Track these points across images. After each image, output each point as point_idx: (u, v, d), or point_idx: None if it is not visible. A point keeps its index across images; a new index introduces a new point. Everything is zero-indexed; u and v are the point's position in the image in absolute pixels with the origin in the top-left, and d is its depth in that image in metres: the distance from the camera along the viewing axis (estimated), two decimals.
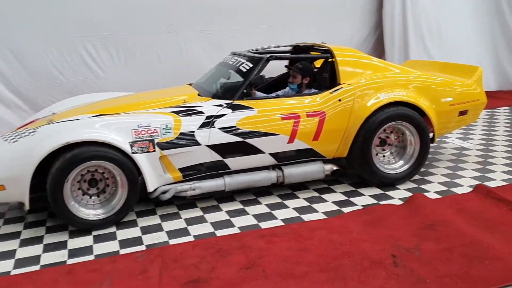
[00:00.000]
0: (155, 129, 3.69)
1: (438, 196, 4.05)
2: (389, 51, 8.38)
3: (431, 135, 4.43)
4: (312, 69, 4.58)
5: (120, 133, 3.58)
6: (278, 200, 4.14)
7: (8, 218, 3.89)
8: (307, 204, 4.03)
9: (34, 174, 3.39)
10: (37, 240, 3.48)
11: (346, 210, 3.86)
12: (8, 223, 3.79)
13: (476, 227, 3.35)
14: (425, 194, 4.07)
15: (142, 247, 3.33)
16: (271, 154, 4.06)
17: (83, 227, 3.57)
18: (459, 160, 5.04)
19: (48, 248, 3.35)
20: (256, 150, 3.99)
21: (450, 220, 3.47)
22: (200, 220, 3.77)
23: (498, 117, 7.07)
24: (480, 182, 4.30)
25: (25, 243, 3.44)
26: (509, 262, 2.85)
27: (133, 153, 3.57)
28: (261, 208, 3.97)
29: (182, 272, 2.93)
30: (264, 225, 3.63)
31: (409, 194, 4.14)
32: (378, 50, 8.70)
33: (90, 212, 3.61)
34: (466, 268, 2.83)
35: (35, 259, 3.19)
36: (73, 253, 3.27)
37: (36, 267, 3.07)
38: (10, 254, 3.28)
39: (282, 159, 4.14)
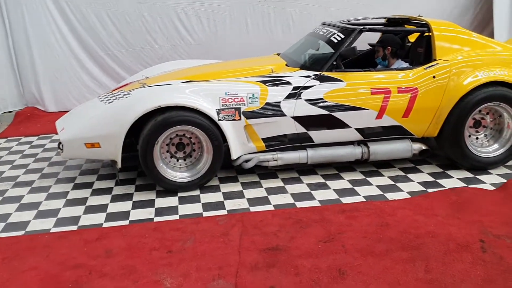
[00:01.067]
0: (241, 98, 3.72)
1: None
2: (498, 27, 7.77)
3: None
4: (393, 38, 4.38)
5: (208, 100, 3.67)
6: (361, 176, 4.06)
7: (102, 175, 4.16)
8: (392, 182, 3.92)
9: (127, 134, 3.58)
10: (127, 197, 3.70)
11: (432, 191, 3.70)
12: (101, 179, 4.06)
13: None
14: None
15: (224, 212, 3.43)
16: (358, 129, 3.97)
17: (169, 188, 3.73)
18: None
19: (137, 205, 3.56)
20: (342, 124, 3.91)
21: None
22: (280, 190, 3.80)
23: None
24: None
25: (116, 199, 3.68)
26: None
27: (219, 120, 3.65)
28: (343, 183, 3.91)
29: (261, 239, 2.99)
30: (345, 200, 3.59)
31: (503, 180, 3.88)
32: (481, 25, 8.11)
33: (177, 174, 3.76)
34: None
35: (125, 214, 3.40)
36: (159, 211, 3.44)
37: (125, 222, 3.28)
38: (102, 208, 3.52)
39: (369, 135, 4.03)
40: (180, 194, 3.71)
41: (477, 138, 4.17)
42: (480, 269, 2.59)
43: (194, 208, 3.48)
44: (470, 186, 3.78)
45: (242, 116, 3.73)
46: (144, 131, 3.56)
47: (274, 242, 2.95)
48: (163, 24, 6.71)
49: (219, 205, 3.54)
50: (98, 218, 3.34)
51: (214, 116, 3.64)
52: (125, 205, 3.55)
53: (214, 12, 6.81)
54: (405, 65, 4.23)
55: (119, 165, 3.67)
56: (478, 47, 4.13)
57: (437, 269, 2.61)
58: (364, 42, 4.68)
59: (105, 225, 3.24)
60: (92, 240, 3.00)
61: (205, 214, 3.38)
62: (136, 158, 3.69)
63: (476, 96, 3.88)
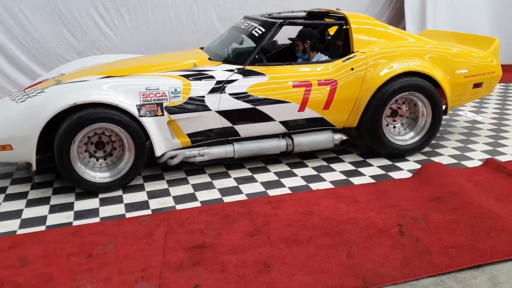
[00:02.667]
0: (163, 93, 3.64)
1: None
2: (409, 20, 8.16)
3: (444, 107, 4.33)
4: (311, 32, 4.47)
5: (128, 96, 3.54)
6: (287, 168, 4.10)
7: (16, 178, 3.91)
8: (315, 173, 4.00)
9: (41, 134, 3.38)
10: (43, 201, 3.50)
11: (354, 180, 3.83)
12: (16, 183, 3.81)
13: (484, 199, 3.30)
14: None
15: (148, 212, 3.33)
16: (282, 122, 4.01)
17: (89, 190, 3.57)
18: (471, 134, 4.95)
19: (54, 209, 3.37)
20: (266, 118, 3.93)
21: (458, 192, 3.41)
22: (207, 186, 3.76)
23: None
24: (490, 156, 4.22)
25: (31, 203, 3.46)
26: None
27: (140, 116, 3.54)
28: (270, 176, 3.94)
29: (187, 237, 2.93)
30: (272, 192, 3.62)
31: (419, 166, 4.08)
32: (396, 18, 8.48)
33: (97, 174, 3.61)
34: (473, 239, 2.79)
35: (41, 220, 3.21)
36: (79, 215, 3.28)
37: (41, 228, 3.09)
38: (16, 213, 3.30)
39: (293, 127, 4.09)
40: (101, 195, 3.56)
41: (394, 127, 4.35)
42: (399, 253, 2.70)
43: (116, 210, 3.35)
44: (389, 173, 3.95)
45: (164, 111, 3.64)
46: (60, 131, 3.38)
47: (200, 239, 2.90)
48: (81, 18, 6.42)
49: (143, 205, 3.44)
50: (11, 225, 3.12)
51: (135, 112, 3.52)
52: (42, 210, 3.34)
53: (135, 6, 6.62)
54: (325, 58, 4.32)
55: (34, 167, 3.46)
56: (393, 39, 4.30)
57: (358, 254, 2.69)
58: (286, 36, 4.74)
59: (20, 232, 3.04)
60: (5, 249, 2.80)
61: (128, 215, 3.27)
62: (53, 160, 3.50)
63: (392, 86, 4.04)
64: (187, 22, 6.94)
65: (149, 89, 3.59)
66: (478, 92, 4.63)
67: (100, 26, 6.54)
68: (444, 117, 4.43)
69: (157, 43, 6.67)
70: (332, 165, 4.15)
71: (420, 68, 4.11)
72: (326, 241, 2.83)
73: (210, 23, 6.93)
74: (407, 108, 4.33)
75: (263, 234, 2.94)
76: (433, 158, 4.25)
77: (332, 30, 4.96)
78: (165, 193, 3.64)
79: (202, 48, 4.78)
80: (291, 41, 4.95)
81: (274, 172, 4.01)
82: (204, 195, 3.58)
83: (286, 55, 4.85)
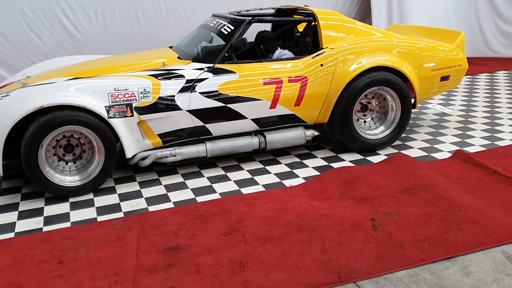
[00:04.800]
0: (132, 93, 3.58)
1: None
2: (376, 15, 8.27)
3: (412, 100, 4.40)
4: (263, 36, 4.53)
5: (96, 97, 3.48)
6: (260, 166, 4.10)
7: None
8: (288, 169, 4.01)
9: (8, 139, 3.29)
10: (12, 207, 3.40)
11: (325, 172, 3.86)
12: None
13: (455, 192, 3.36)
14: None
15: (120, 214, 3.28)
16: (253, 120, 4.01)
17: (59, 194, 3.49)
18: (440, 126, 5.04)
19: (23, 215, 3.28)
20: (238, 116, 3.92)
21: (429, 184, 3.47)
22: (180, 186, 3.73)
23: (479, 84, 7.08)
24: (459, 148, 4.31)
25: None
26: (485, 227, 2.87)
27: (109, 117, 3.48)
28: (243, 174, 3.93)
29: (160, 239, 2.90)
30: (246, 190, 3.61)
31: None
32: (364, 14, 8.58)
33: (66, 178, 3.53)
34: (444, 232, 2.84)
35: (10, 227, 3.12)
36: (49, 220, 3.21)
37: (10, 235, 3.01)
38: None
39: (264, 124, 4.09)
40: (71, 200, 3.49)
41: (365, 121, 4.40)
42: (372, 247, 2.73)
43: (87, 213, 3.29)
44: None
45: (134, 112, 3.59)
46: (26, 135, 3.29)
47: (174, 241, 2.87)
48: (46, 19, 6.28)
49: (115, 208, 3.38)
50: None
51: (104, 113, 3.46)
52: (10, 216, 3.25)
53: (101, 5, 6.50)
54: (287, 53, 4.33)
55: (0, 173, 3.37)
56: (361, 35, 4.34)
57: (332, 249, 2.71)
58: (255, 33, 4.72)
59: None
60: None
61: (100, 218, 3.21)
62: (20, 164, 3.41)
63: (361, 81, 4.08)
64: (155, 21, 6.86)
65: (117, 90, 3.53)
66: (445, 85, 4.71)
67: (66, 27, 6.41)
68: (413, 110, 4.50)
69: (126, 43, 6.57)
70: (305, 161, 4.17)
71: (389, 62, 4.16)
72: (300, 237, 2.84)
73: (179, 22, 6.86)
74: (376, 103, 4.38)
75: (237, 232, 2.93)
76: (403, 151, 4.31)
77: (301, 27, 4.98)
78: (137, 194, 3.59)
79: (171, 47, 4.73)
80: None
81: (247, 170, 4.01)
82: (177, 196, 3.55)
83: (256, 53, 4.84)
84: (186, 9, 6.88)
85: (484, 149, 4.31)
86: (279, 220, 3.04)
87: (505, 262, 2.57)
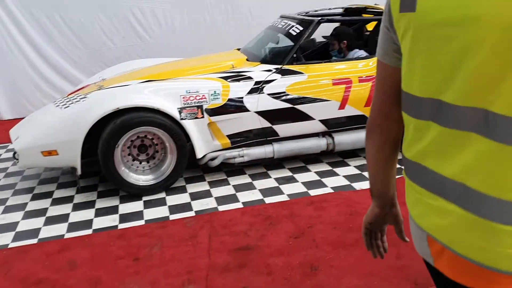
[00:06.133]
0: (203, 95, 3.64)
1: None
2: None
3: None
4: (347, 31, 4.38)
5: (169, 99, 3.57)
6: (328, 167, 4.05)
7: (61, 183, 3.99)
8: (358, 172, 3.92)
9: (86, 139, 3.45)
10: (89, 204, 3.56)
11: (399, 177, 3.73)
12: (62, 188, 3.89)
13: None
14: None
15: (191, 213, 3.35)
16: (321, 121, 3.95)
17: (133, 192, 3.62)
18: None
19: (100, 212, 3.43)
20: (306, 117, 3.89)
21: None
22: (248, 187, 3.75)
23: None
24: None
25: (77, 207, 3.53)
26: None
27: (181, 119, 3.56)
28: (311, 176, 3.89)
29: (231, 239, 2.93)
30: (314, 192, 3.57)
31: None
32: None
33: (140, 177, 3.65)
34: None
35: (88, 223, 3.26)
36: (124, 217, 3.32)
37: (88, 231, 3.15)
38: (63, 218, 3.37)
39: (333, 125, 4.02)
40: (145, 198, 3.60)
41: None
42: None
43: (160, 212, 3.38)
44: None
45: (205, 113, 3.65)
46: (104, 135, 3.44)
47: (244, 241, 2.89)
48: (119, 23, 6.53)
49: (186, 207, 3.45)
50: (59, 229, 3.19)
51: (176, 115, 3.54)
52: (88, 213, 3.41)
53: (170, 9, 6.67)
54: (363, 53, 4.23)
55: (79, 171, 3.53)
56: None
57: (408, 255, 2.61)
58: (320, 34, 4.66)
59: (67, 235, 3.10)
60: (54, 253, 2.86)
61: (172, 217, 3.29)
62: (97, 163, 3.56)
63: None
64: (222, 23, 6.96)
65: (189, 92, 3.60)
66: None
67: (138, 31, 6.64)
68: None
69: (194, 45, 6.70)
70: None
71: None
72: None
73: (245, 24, 6.91)
74: None
75: (307, 236, 2.90)
76: None
77: (370, 26, 4.87)
78: (207, 194, 3.65)
79: (239, 49, 4.77)
80: (325, 40, 4.88)
81: (315, 172, 3.96)
82: (245, 196, 3.57)
83: (321, 54, 4.79)
84: (252, 11, 6.91)
85: None
86: (350, 225, 2.98)
87: None
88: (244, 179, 3.90)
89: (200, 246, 2.85)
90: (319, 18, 4.07)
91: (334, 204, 3.28)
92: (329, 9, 4.92)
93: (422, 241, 1.09)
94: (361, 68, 3.93)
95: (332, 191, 3.58)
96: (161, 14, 6.66)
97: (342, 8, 4.97)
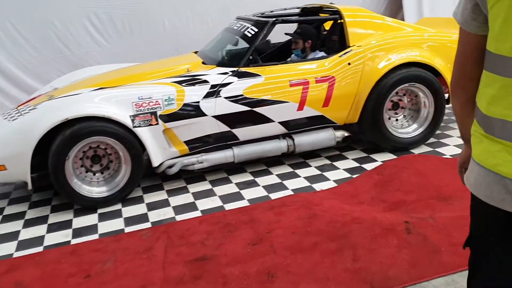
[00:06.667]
0: (157, 101, 3.55)
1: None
2: (407, 9, 8.00)
3: (446, 96, 4.21)
4: (313, 31, 4.35)
5: (121, 107, 3.46)
6: (289, 169, 4.01)
7: (13, 198, 3.83)
8: (319, 172, 3.90)
9: (35, 152, 3.31)
10: (41, 220, 3.42)
11: (356, 176, 3.72)
12: (13, 203, 3.73)
13: None
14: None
15: (147, 224, 3.25)
16: (281, 123, 3.91)
17: (87, 205, 3.50)
18: None
19: (52, 228, 3.29)
20: (265, 119, 3.84)
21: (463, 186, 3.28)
22: (208, 193, 3.67)
23: None
24: None
25: (29, 223, 3.39)
26: None
27: (134, 127, 3.45)
28: (272, 179, 3.85)
29: (187, 250, 2.85)
30: (275, 195, 3.52)
31: None
32: (394, 9, 8.33)
33: (94, 189, 3.53)
34: None
35: (39, 240, 3.13)
36: (77, 232, 3.20)
37: (39, 248, 3.01)
38: (13, 235, 3.22)
39: (293, 127, 3.99)
40: (100, 211, 3.48)
41: (396, 119, 4.24)
42: (406, 253, 2.59)
43: (115, 224, 3.27)
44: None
45: (159, 120, 3.56)
46: (53, 147, 3.30)
47: (201, 251, 2.81)
48: (75, 30, 6.33)
49: (143, 218, 3.35)
50: (8, 248, 3.04)
51: (128, 123, 3.44)
52: (39, 230, 3.26)
53: (128, 14, 6.53)
54: (321, 54, 4.21)
55: (29, 186, 3.39)
56: (390, 30, 4.18)
57: (364, 257, 2.59)
58: (283, 32, 4.61)
59: (16, 254, 2.96)
60: (1, 273, 2.72)
61: (128, 229, 3.18)
62: (49, 177, 3.43)
63: (391, 78, 3.93)
64: (181, 27, 6.85)
65: (141, 99, 3.50)
66: None
67: (94, 37, 6.47)
68: (447, 106, 4.31)
69: (153, 50, 6.56)
70: (335, 163, 4.05)
71: (419, 58, 3.99)
72: (331, 246, 2.72)
73: (204, 27, 6.81)
74: (408, 100, 4.21)
75: (266, 242, 2.84)
76: (438, 149, 4.13)
77: (327, 25, 4.85)
78: (164, 203, 3.56)
79: (196, 52, 4.69)
80: (290, 37, 4.82)
81: (276, 175, 3.92)
82: (204, 204, 3.50)
83: (282, 52, 4.74)
84: (212, 14, 6.83)
85: None
86: (308, 229, 2.93)
87: None
88: (204, 185, 3.83)
89: (155, 259, 2.76)
90: (274, 19, 4.03)
91: (294, 208, 3.23)
92: (285, 9, 4.88)
93: (500, 189, 1.20)
94: (316, 68, 3.91)
95: (292, 193, 3.54)
96: (118, 19, 6.51)
97: (298, 8, 4.94)
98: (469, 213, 1.44)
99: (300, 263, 2.60)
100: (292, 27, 4.76)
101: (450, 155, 3.98)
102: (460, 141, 4.23)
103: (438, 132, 4.45)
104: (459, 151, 4.04)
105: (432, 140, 4.32)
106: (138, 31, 6.63)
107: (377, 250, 2.64)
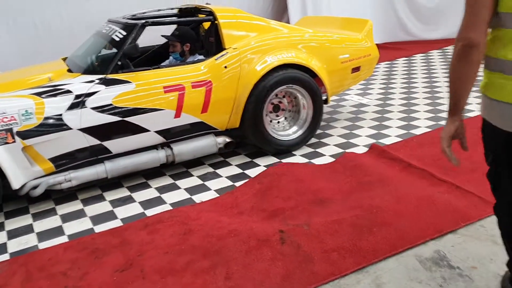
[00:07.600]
0: (12, 116, 3.16)
1: (334, 160, 3.89)
2: (292, 8, 8.10)
3: (324, 96, 4.23)
4: (191, 34, 4.16)
5: None
6: (170, 181, 3.80)
7: None
8: (200, 182, 3.73)
9: None
10: None
11: (239, 184, 3.60)
12: None
13: (366, 192, 3.21)
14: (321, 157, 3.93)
15: (6, 256, 2.88)
16: (158, 132, 3.69)
17: None
18: (357, 118, 4.92)
19: None
20: (139, 129, 3.59)
21: (340, 188, 3.30)
22: (78, 215, 3.35)
23: (397, 69, 7.09)
24: (375, 141, 4.20)
25: None
26: (397, 227, 2.72)
27: None
28: (150, 193, 3.61)
29: (47, 283, 2.54)
30: (151, 212, 3.29)
31: (306, 160, 3.95)
32: (280, 9, 8.40)
33: None
34: (355, 239, 2.65)
35: None
36: None
37: None
38: None
39: (171, 135, 3.78)
40: None
41: (278, 122, 4.19)
42: (280, 265, 2.50)
43: None
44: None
45: (16, 137, 3.18)
46: None
47: (62, 283, 2.52)
48: None
49: (1, 249, 2.97)
50: None
51: None
52: None
53: None
54: (200, 57, 4.04)
55: None
56: (266, 32, 4.11)
57: (237, 274, 2.46)
58: (159, 34, 4.37)
59: None
60: None
61: None
62: None
63: (268, 81, 3.85)
64: (56, 30, 6.35)
65: None
66: (358, 76, 4.60)
67: None
68: (330, 103, 4.34)
69: (24, 56, 6.01)
70: (218, 171, 3.90)
71: (295, 59, 3.96)
72: (204, 264, 2.56)
73: (80, 30, 6.37)
74: (288, 102, 4.18)
75: (135, 267, 2.61)
76: (319, 150, 4.14)
77: (206, 26, 4.69)
78: (28, 230, 3.19)
79: (65, 59, 4.30)
80: (166, 40, 4.59)
81: (155, 188, 3.69)
82: (72, 227, 3.18)
83: (161, 56, 4.50)
84: (86, 15, 6.39)
85: (400, 139, 4.22)
86: (183, 247, 2.75)
87: (418, 268, 2.42)
88: (75, 205, 3.50)
89: None
90: (144, 21, 3.78)
91: (169, 224, 3.03)
92: (159, 10, 4.64)
93: None
94: (192, 73, 3.73)
95: (170, 208, 3.33)
96: None
97: (174, 8, 4.73)
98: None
99: (170, 286, 2.40)
100: (170, 29, 4.55)
101: (329, 155, 4.00)
102: (340, 141, 4.29)
103: (320, 131, 4.49)
104: (340, 151, 4.08)
105: (313, 140, 4.33)
106: (5, 35, 6.05)
107: (251, 265, 2.52)
